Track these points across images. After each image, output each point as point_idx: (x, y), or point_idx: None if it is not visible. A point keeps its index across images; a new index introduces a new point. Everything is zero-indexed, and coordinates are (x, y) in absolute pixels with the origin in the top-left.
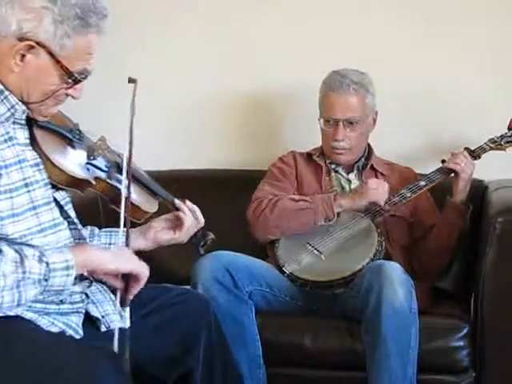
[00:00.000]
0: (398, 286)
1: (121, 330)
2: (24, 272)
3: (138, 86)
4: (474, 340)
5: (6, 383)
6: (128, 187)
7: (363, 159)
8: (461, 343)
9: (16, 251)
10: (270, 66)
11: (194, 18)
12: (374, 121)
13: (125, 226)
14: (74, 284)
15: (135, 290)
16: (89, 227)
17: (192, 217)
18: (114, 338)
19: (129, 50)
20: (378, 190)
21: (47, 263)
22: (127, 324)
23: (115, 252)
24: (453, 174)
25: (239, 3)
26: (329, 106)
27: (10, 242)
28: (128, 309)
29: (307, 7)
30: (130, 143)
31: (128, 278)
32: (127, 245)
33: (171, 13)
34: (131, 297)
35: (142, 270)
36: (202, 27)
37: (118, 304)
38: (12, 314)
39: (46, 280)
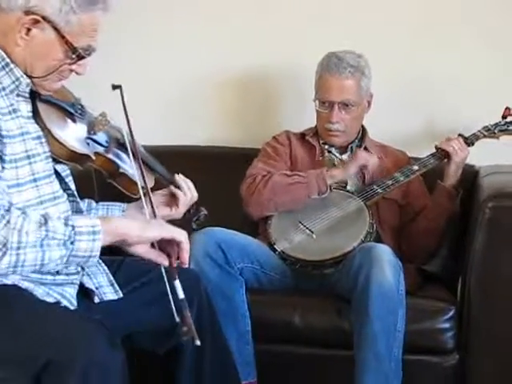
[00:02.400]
0: (387, 267)
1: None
2: (47, 231)
3: (134, 57)
4: (460, 322)
5: (1, 349)
6: (142, 175)
7: (357, 141)
8: (446, 325)
9: (41, 214)
10: (264, 45)
11: (189, 0)
12: (369, 103)
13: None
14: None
15: (182, 255)
16: (86, 200)
17: (188, 192)
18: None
19: (123, 30)
20: (366, 155)
21: (73, 226)
22: (181, 296)
23: (143, 221)
24: (446, 160)
25: None
26: (325, 88)
27: None
28: (178, 281)
29: None
30: (133, 147)
31: (166, 249)
32: (155, 215)
33: None
34: (185, 264)
35: (177, 233)
36: (196, 7)
37: (165, 278)
38: (9, 282)
39: (71, 243)
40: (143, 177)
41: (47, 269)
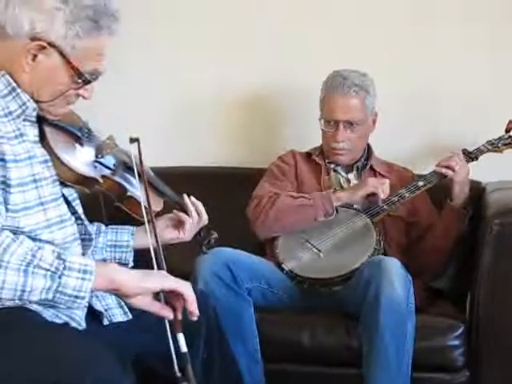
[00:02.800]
0: (396, 280)
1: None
2: (34, 256)
3: (140, 78)
4: (469, 340)
5: (7, 367)
6: (153, 226)
7: (363, 159)
8: (456, 342)
9: (35, 244)
10: (269, 64)
11: (193, 15)
12: (374, 122)
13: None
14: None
15: (189, 307)
16: (95, 224)
17: (195, 212)
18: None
19: (127, 48)
20: (377, 183)
21: (64, 260)
22: (184, 349)
23: (143, 271)
24: (448, 177)
25: (237, 5)
26: (330, 107)
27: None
28: (181, 334)
29: (308, 6)
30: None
31: (171, 302)
32: (159, 267)
33: (170, 11)
34: (195, 317)
35: (178, 284)
36: (201, 25)
37: (168, 332)
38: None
39: (59, 277)
40: (149, 203)
41: (29, 299)
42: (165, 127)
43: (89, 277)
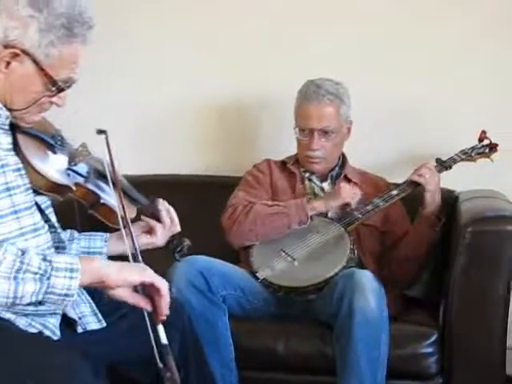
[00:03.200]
0: (369, 294)
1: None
2: (22, 262)
3: (115, 86)
4: (442, 347)
5: None
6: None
7: (337, 168)
8: (429, 350)
9: (19, 248)
10: (246, 74)
11: (174, 27)
12: (349, 130)
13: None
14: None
15: (161, 303)
16: (68, 230)
17: (167, 218)
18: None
19: (103, 55)
20: (350, 192)
21: (50, 261)
22: (164, 341)
23: (125, 263)
24: (420, 185)
25: (215, 13)
26: (304, 115)
27: None
28: (161, 326)
29: (284, 17)
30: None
31: (150, 294)
32: (136, 260)
33: (150, 21)
34: (163, 316)
35: (157, 279)
36: (176, 37)
37: (148, 324)
38: None
39: (47, 278)
40: (123, 205)
41: (21, 303)
42: (137, 135)
43: (76, 275)
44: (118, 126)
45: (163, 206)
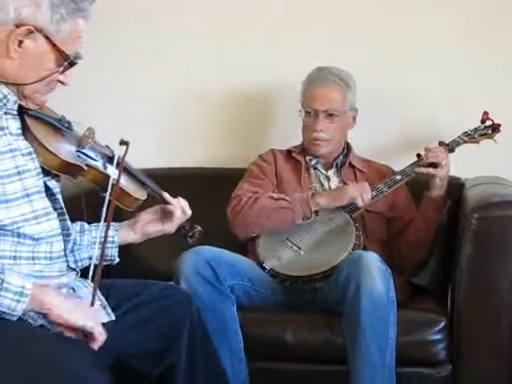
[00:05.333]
0: (376, 275)
1: None
2: None
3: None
4: (451, 334)
5: None
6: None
7: (342, 156)
8: (438, 336)
9: None
10: (250, 65)
11: (178, 16)
12: (354, 118)
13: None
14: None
15: (92, 344)
16: (78, 223)
17: (180, 208)
18: None
19: (113, 48)
20: (357, 193)
21: (2, 280)
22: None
23: (77, 303)
24: (431, 170)
25: (222, 4)
26: (310, 97)
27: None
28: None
29: (288, 8)
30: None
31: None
32: (93, 295)
33: (154, 13)
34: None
35: (97, 330)
36: (185, 27)
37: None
38: None
39: None
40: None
41: None
42: (145, 128)
43: (24, 299)
44: (127, 119)
45: (173, 198)
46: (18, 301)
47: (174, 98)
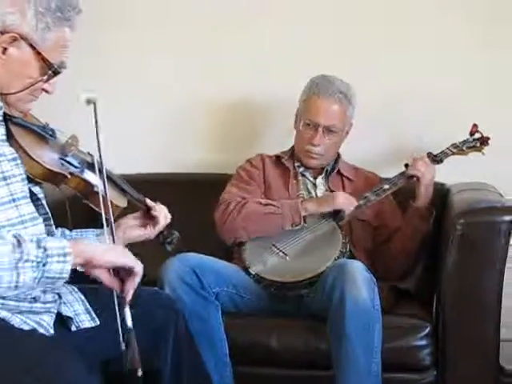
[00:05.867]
0: (360, 283)
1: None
2: (22, 253)
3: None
4: (436, 339)
5: None
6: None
7: (331, 163)
8: (423, 342)
9: (14, 236)
10: (241, 72)
11: (170, 23)
12: (347, 132)
13: (108, 225)
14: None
15: (131, 286)
16: (59, 229)
17: (163, 215)
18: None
19: (108, 53)
20: (345, 202)
21: (45, 248)
22: (129, 324)
23: (108, 246)
24: (415, 179)
25: (215, 9)
26: (312, 109)
27: None
28: (128, 308)
29: (284, 14)
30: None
31: (123, 277)
32: (113, 237)
33: (154, 19)
34: (129, 296)
35: (137, 264)
36: (179, 33)
37: (116, 305)
38: None
39: (44, 265)
40: (105, 191)
41: (22, 290)
42: (132, 133)
43: (68, 258)
44: (113, 124)
45: (151, 202)
46: (65, 262)
47: (164, 105)
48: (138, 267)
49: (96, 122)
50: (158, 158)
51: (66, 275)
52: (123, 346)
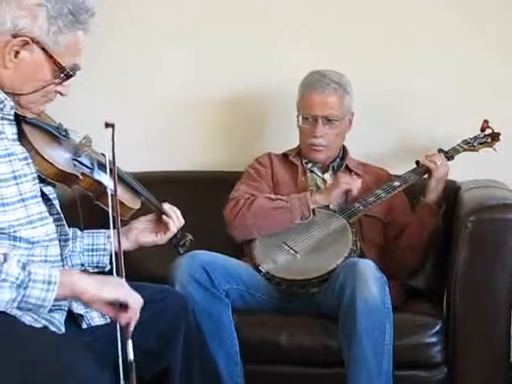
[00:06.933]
0: (371, 282)
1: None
2: (1, 272)
3: (120, 80)
4: (447, 336)
5: None
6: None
7: (338, 160)
8: (433, 339)
9: (2, 254)
10: (246, 69)
11: (173, 21)
12: (350, 122)
13: (114, 227)
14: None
15: (126, 320)
16: (71, 229)
17: (176, 219)
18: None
19: (107, 48)
20: (349, 179)
21: (29, 272)
22: (131, 357)
23: (102, 279)
24: (426, 176)
25: (217, 5)
26: (308, 103)
27: None
28: (130, 341)
29: (283, 10)
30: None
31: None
32: (117, 272)
33: (149, 16)
34: (129, 329)
35: (130, 297)
36: (181, 30)
37: (118, 336)
38: None
39: (24, 288)
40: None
41: None
42: (142, 132)
43: (52, 287)
44: (123, 124)
45: (168, 207)
46: (48, 290)
47: (169, 101)
48: (132, 300)
49: (113, 143)
50: (163, 156)
51: (48, 304)
52: (122, 382)
